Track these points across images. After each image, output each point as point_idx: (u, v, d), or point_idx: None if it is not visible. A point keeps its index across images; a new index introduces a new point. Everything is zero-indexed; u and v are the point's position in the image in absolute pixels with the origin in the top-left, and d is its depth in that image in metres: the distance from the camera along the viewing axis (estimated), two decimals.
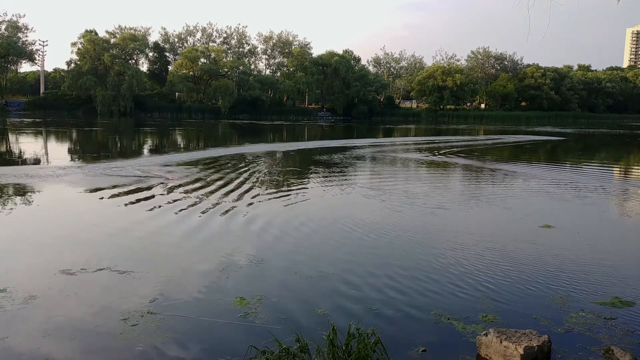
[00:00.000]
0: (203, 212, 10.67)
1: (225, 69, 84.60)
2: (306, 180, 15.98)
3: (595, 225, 10.75)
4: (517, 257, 7.81)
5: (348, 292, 6.25)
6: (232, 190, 13.35)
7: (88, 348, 4.76)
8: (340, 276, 6.84)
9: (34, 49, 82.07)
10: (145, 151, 26.73)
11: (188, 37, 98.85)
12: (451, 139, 40.96)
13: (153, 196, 12.17)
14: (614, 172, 21.12)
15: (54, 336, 4.97)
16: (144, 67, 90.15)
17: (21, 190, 12.72)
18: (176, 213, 10.50)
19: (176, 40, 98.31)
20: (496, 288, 6.48)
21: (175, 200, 11.72)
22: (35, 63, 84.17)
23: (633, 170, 22.49)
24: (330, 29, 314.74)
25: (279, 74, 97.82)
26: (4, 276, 6.54)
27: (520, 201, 13.17)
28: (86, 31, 78.47)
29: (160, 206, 11.07)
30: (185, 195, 12.45)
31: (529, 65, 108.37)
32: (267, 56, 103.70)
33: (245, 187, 14.00)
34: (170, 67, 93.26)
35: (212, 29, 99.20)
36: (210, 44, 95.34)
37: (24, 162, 19.24)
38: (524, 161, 23.33)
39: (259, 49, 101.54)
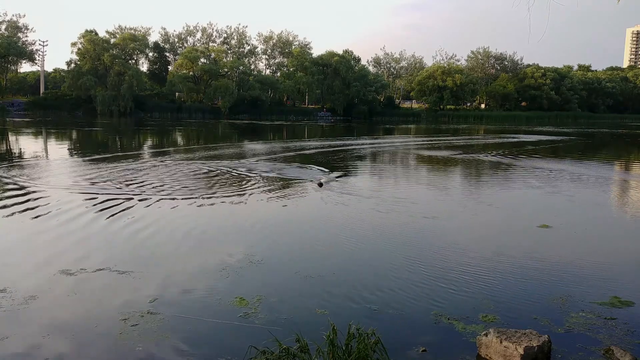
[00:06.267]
0: (200, 212, 10.69)
1: (225, 69, 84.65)
2: (312, 179, 15.96)
3: (593, 224, 10.76)
4: (517, 257, 7.80)
5: (348, 292, 6.25)
6: (232, 191, 13.36)
7: (88, 348, 4.76)
8: (341, 276, 6.84)
9: (34, 49, 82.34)
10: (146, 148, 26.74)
11: (188, 37, 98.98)
12: (467, 138, 40.98)
13: (149, 198, 12.17)
14: (614, 170, 21.12)
15: (54, 336, 4.97)
16: (144, 67, 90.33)
17: (26, 189, 12.72)
18: (175, 213, 10.51)
19: (176, 40, 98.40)
20: (496, 288, 6.48)
21: (172, 201, 11.72)
22: (35, 63, 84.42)
23: (632, 169, 22.49)
24: (330, 29, 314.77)
25: (279, 74, 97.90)
26: (4, 276, 6.54)
27: (516, 201, 13.17)
28: (86, 31, 78.49)
29: (154, 206, 11.08)
30: (181, 195, 12.45)
31: (529, 65, 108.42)
32: (267, 56, 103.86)
33: (249, 188, 14.01)
34: (170, 67, 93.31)
35: (212, 29, 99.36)
36: (210, 44, 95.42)
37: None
38: (539, 158, 23.34)
39: (259, 49, 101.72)
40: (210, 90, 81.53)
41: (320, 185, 13.99)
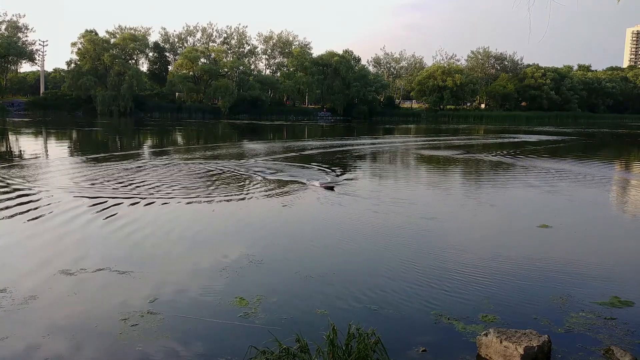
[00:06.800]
0: (200, 212, 10.69)
1: (225, 69, 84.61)
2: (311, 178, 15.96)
3: (592, 224, 10.76)
4: (516, 258, 7.81)
5: (348, 292, 6.25)
6: (232, 191, 13.36)
7: (88, 348, 4.76)
8: (341, 276, 6.85)
9: (34, 49, 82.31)
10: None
11: (188, 37, 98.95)
12: (467, 138, 40.98)
13: (148, 198, 12.16)
14: (614, 169, 21.11)
15: (54, 336, 4.97)
16: (144, 67, 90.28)
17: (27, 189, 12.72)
18: (174, 213, 10.52)
19: (176, 40, 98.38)
20: (496, 288, 6.48)
21: (172, 202, 11.72)
22: (35, 63, 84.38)
23: (632, 168, 22.48)
24: (330, 29, 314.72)
25: (279, 74, 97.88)
26: (4, 276, 6.54)
27: (515, 201, 13.17)
28: (86, 31, 78.48)
29: (154, 206, 11.08)
30: (181, 195, 12.45)
31: (529, 65, 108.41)
32: (267, 56, 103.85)
33: (249, 188, 14.01)
34: (170, 67, 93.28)
35: (212, 29, 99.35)
36: (210, 44, 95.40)
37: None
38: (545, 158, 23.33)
39: (259, 49, 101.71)
40: (210, 90, 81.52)
41: (332, 189, 13.54)
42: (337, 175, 16.65)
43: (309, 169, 18.24)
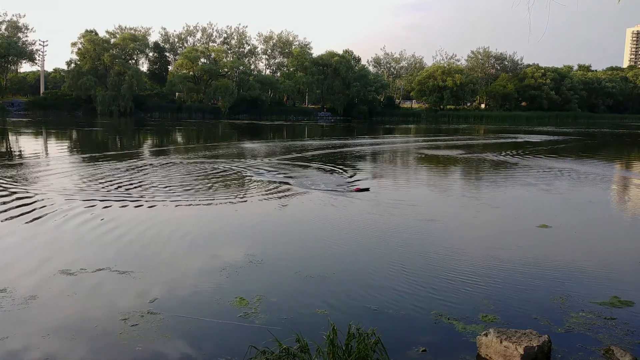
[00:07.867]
0: (199, 213, 10.69)
1: (225, 69, 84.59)
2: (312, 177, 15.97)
3: (592, 224, 10.76)
4: (516, 257, 7.81)
5: (348, 292, 6.25)
6: (232, 192, 13.36)
7: (88, 348, 4.76)
8: (341, 276, 6.85)
9: (34, 49, 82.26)
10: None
11: (188, 37, 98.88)
12: (468, 138, 40.97)
13: (148, 199, 12.16)
14: (612, 169, 21.11)
15: (54, 336, 4.97)
16: (144, 67, 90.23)
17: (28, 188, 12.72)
18: (174, 214, 10.51)
19: (176, 40, 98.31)
20: (496, 288, 6.48)
21: (172, 202, 11.72)
22: (36, 63, 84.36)
23: (634, 168, 22.47)
24: (330, 29, 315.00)
25: (279, 74, 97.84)
26: (4, 276, 6.54)
27: (515, 201, 13.17)
28: (86, 31, 78.49)
29: (154, 206, 11.08)
30: (181, 196, 12.45)
31: (529, 65, 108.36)
32: (267, 56, 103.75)
33: (249, 188, 14.01)
34: (170, 67, 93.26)
35: (212, 29, 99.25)
36: (210, 44, 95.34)
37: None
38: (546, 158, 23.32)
39: (259, 49, 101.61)
40: (210, 90, 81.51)
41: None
42: (341, 175, 16.62)
43: (310, 169, 18.24)
